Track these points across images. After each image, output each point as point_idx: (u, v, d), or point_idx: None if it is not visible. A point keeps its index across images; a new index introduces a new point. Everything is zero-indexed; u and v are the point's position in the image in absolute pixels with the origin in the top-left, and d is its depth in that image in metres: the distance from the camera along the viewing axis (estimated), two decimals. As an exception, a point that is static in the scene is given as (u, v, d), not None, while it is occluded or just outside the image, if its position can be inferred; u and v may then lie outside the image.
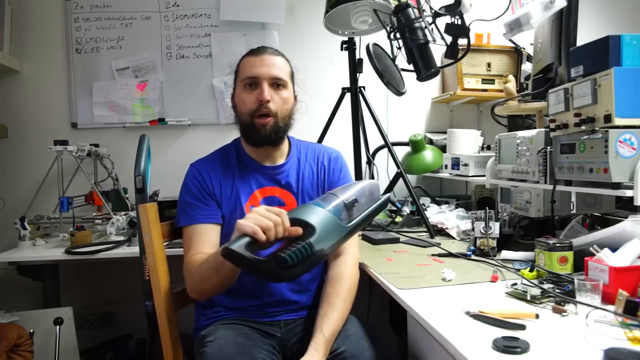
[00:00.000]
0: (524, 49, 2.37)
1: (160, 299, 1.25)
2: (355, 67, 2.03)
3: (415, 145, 2.39)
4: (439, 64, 1.77)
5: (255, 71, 1.30)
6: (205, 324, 1.30)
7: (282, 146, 1.40)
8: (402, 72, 1.89)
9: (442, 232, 1.90)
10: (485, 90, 2.44)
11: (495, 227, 1.50)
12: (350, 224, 1.06)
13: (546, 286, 1.11)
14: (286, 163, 1.40)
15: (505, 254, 1.46)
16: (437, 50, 1.77)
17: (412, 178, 2.49)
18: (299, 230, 0.98)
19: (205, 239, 1.28)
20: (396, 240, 1.79)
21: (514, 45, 2.39)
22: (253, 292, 1.30)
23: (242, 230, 0.95)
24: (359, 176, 2.11)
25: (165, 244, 1.33)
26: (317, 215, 1.01)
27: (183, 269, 1.27)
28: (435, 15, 1.69)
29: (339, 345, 1.16)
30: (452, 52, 1.72)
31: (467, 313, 0.99)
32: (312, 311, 1.28)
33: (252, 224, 0.94)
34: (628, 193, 1.13)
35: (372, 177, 2.24)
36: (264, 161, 1.38)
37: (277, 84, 1.32)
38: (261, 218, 0.96)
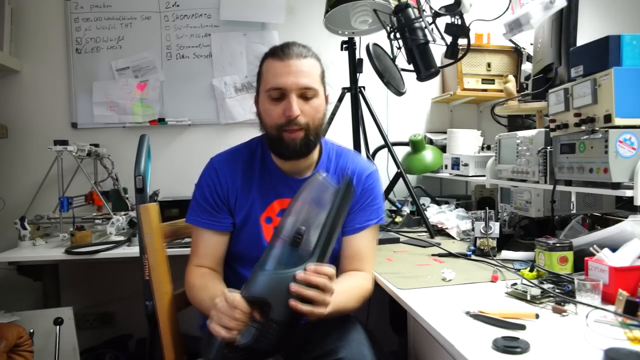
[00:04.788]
0: (524, 49, 2.37)
1: (162, 300, 1.25)
2: (355, 67, 2.03)
3: (415, 145, 2.39)
4: (439, 64, 1.77)
5: (282, 81, 1.15)
6: None
7: (311, 155, 1.26)
8: (402, 72, 1.89)
9: (442, 232, 1.90)
10: (485, 90, 2.44)
11: (495, 227, 1.50)
12: (309, 260, 0.94)
13: (546, 286, 1.11)
14: (309, 176, 1.26)
15: (505, 254, 1.46)
16: (437, 50, 1.77)
17: (412, 178, 2.49)
18: (256, 314, 0.93)
19: (209, 251, 1.25)
20: (396, 240, 1.79)
21: (514, 45, 2.39)
22: None
23: (214, 334, 0.94)
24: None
25: (165, 244, 1.33)
26: (265, 283, 0.92)
27: (185, 271, 1.27)
28: (435, 15, 1.69)
29: (339, 350, 1.12)
30: (452, 52, 1.72)
31: (467, 313, 0.99)
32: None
33: (219, 328, 0.93)
34: (628, 193, 1.13)
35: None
36: (290, 171, 1.26)
37: (306, 95, 1.17)
38: (222, 317, 0.93)
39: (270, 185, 1.27)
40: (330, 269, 0.96)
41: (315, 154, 1.27)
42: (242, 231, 1.27)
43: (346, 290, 1.14)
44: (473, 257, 1.49)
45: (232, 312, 0.92)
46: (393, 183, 2.14)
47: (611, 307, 0.97)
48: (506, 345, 0.81)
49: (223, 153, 1.31)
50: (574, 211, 1.62)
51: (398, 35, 1.71)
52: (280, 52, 1.18)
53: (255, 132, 1.32)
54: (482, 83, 2.44)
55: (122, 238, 1.94)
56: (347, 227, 1.26)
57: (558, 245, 1.23)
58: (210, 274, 1.23)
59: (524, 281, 1.15)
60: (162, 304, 1.25)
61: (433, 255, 1.55)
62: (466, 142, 2.26)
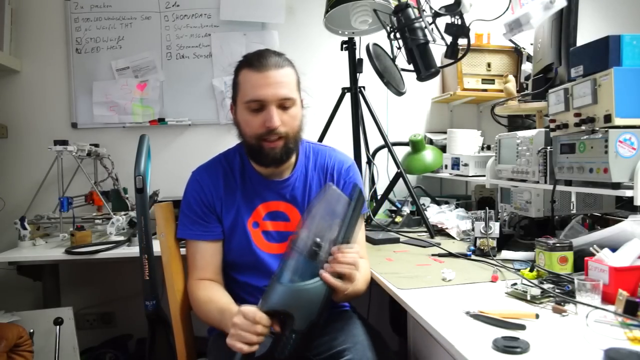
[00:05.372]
0: (524, 49, 2.37)
1: (174, 298, 1.25)
2: (355, 67, 2.03)
3: (415, 145, 2.39)
4: (439, 64, 1.77)
5: (262, 93, 1.16)
6: None
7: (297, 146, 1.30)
8: (402, 72, 1.89)
9: (442, 232, 1.90)
10: (485, 90, 2.44)
11: (495, 227, 1.50)
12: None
13: (546, 286, 1.11)
14: (292, 176, 1.30)
15: (505, 254, 1.46)
16: (437, 50, 1.77)
17: (412, 178, 2.49)
18: (276, 327, 0.97)
19: (206, 262, 1.26)
20: (396, 240, 1.79)
21: (514, 45, 2.39)
22: None
23: (234, 349, 0.96)
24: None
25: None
26: (286, 295, 0.94)
27: (187, 287, 1.28)
28: (435, 15, 1.69)
29: (346, 350, 1.14)
30: (452, 52, 1.72)
31: (467, 313, 0.99)
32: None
33: (240, 344, 0.95)
34: (628, 193, 1.13)
35: (372, 177, 2.24)
36: (270, 174, 1.29)
37: (285, 105, 1.19)
38: (243, 334, 0.95)
39: (253, 191, 1.29)
40: (355, 248, 1.02)
41: (293, 156, 1.30)
42: (232, 239, 1.28)
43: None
44: (473, 257, 1.49)
45: (254, 327, 0.95)
46: (393, 183, 2.14)
47: (611, 307, 0.97)
48: (506, 345, 0.81)
49: (202, 165, 1.34)
50: (574, 211, 1.62)
51: (398, 35, 1.71)
52: (257, 63, 1.18)
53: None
54: (482, 83, 2.44)
55: (122, 238, 1.94)
56: None
57: (558, 245, 1.23)
58: (212, 286, 1.24)
59: (524, 281, 1.15)
60: (175, 302, 1.25)
61: (433, 255, 1.55)
62: (466, 142, 2.26)
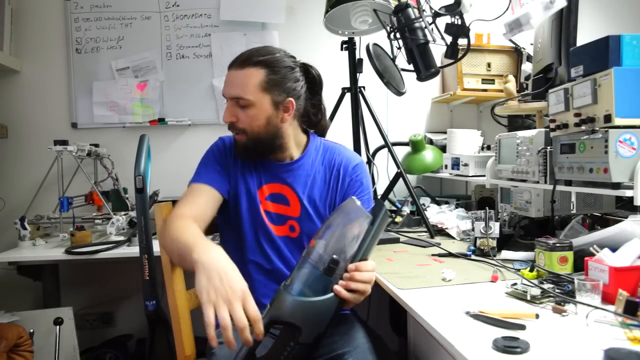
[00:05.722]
0: (524, 49, 2.37)
1: (174, 299, 1.25)
2: (355, 67, 2.03)
3: (415, 145, 2.39)
4: (439, 64, 1.77)
5: (223, 89, 1.25)
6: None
7: (287, 147, 1.31)
8: (402, 72, 1.89)
9: (442, 232, 1.90)
10: (485, 90, 2.44)
11: (495, 227, 1.50)
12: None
13: (546, 286, 1.11)
14: (296, 162, 1.33)
15: (505, 254, 1.46)
16: (437, 50, 1.77)
17: (412, 178, 2.49)
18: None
19: (200, 204, 1.21)
20: (396, 240, 1.79)
21: (514, 45, 2.39)
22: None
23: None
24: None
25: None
26: (296, 309, 0.90)
27: (164, 220, 1.22)
28: (435, 15, 1.69)
29: (346, 354, 1.13)
30: (452, 52, 1.72)
31: (467, 313, 0.99)
32: None
33: (211, 315, 0.82)
34: (628, 193, 1.13)
35: (372, 177, 2.24)
36: (273, 159, 1.33)
37: (240, 104, 1.22)
38: (225, 317, 0.82)
39: (263, 169, 1.32)
40: (370, 264, 0.98)
41: (291, 145, 1.32)
42: (240, 202, 1.30)
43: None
44: (473, 257, 1.49)
45: (244, 330, 0.83)
46: (393, 183, 2.14)
47: (611, 307, 0.97)
48: (506, 345, 0.81)
49: (229, 135, 1.36)
50: (574, 211, 1.62)
51: (398, 35, 1.71)
52: (231, 62, 1.25)
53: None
54: (482, 83, 2.44)
55: (122, 238, 1.94)
56: None
57: (558, 245, 1.23)
58: (193, 222, 1.13)
59: (524, 281, 1.15)
60: (175, 302, 1.25)
61: (433, 255, 1.55)
62: (466, 142, 2.26)
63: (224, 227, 1.38)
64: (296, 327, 0.91)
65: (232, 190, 1.31)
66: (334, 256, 0.93)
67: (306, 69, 1.33)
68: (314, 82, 1.34)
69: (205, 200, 1.24)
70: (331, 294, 0.93)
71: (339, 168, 1.34)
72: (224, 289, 0.85)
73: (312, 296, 0.92)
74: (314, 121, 1.39)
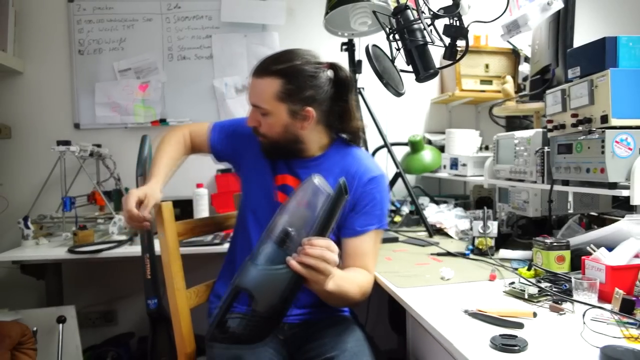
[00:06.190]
0: (522, 50, 2.39)
1: (175, 297, 1.26)
2: (354, 68, 2.04)
3: (414, 146, 2.40)
4: (437, 65, 1.78)
5: (247, 95, 1.30)
6: None
7: (308, 149, 1.31)
8: (401, 73, 1.90)
9: (441, 232, 1.91)
10: (484, 91, 2.45)
11: (493, 227, 1.51)
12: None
13: (544, 285, 1.12)
14: (314, 160, 1.32)
15: (503, 253, 1.47)
16: (436, 52, 1.78)
17: (411, 178, 2.50)
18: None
19: (197, 133, 1.43)
20: (395, 240, 1.80)
21: (511, 47, 2.40)
22: None
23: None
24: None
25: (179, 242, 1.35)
26: (253, 277, 0.95)
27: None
28: (434, 16, 1.70)
29: (334, 357, 1.13)
30: (451, 54, 1.73)
31: (466, 311, 1.00)
32: (315, 316, 1.29)
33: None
34: (624, 193, 1.14)
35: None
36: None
37: (260, 112, 1.25)
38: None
39: (279, 160, 1.35)
40: (324, 241, 0.97)
41: (312, 147, 1.32)
42: (252, 184, 1.37)
43: (348, 277, 1.16)
44: (471, 256, 1.51)
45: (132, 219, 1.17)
46: (392, 183, 2.15)
47: (608, 306, 0.99)
48: (504, 344, 0.82)
49: None
50: (571, 211, 1.63)
51: (397, 36, 1.72)
52: (254, 67, 1.28)
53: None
54: (481, 84, 2.45)
55: (124, 237, 1.95)
56: (347, 229, 1.27)
57: (555, 244, 1.24)
58: (185, 143, 1.43)
59: (522, 280, 1.16)
60: (175, 301, 1.26)
61: (432, 254, 1.57)
62: (464, 142, 2.27)
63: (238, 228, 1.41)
64: (251, 295, 0.95)
65: (245, 170, 1.39)
66: (288, 228, 0.98)
67: (335, 69, 1.30)
68: (341, 83, 1.29)
69: (203, 133, 1.43)
70: (283, 265, 0.96)
71: (353, 177, 1.28)
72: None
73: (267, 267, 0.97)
74: (340, 125, 1.34)
